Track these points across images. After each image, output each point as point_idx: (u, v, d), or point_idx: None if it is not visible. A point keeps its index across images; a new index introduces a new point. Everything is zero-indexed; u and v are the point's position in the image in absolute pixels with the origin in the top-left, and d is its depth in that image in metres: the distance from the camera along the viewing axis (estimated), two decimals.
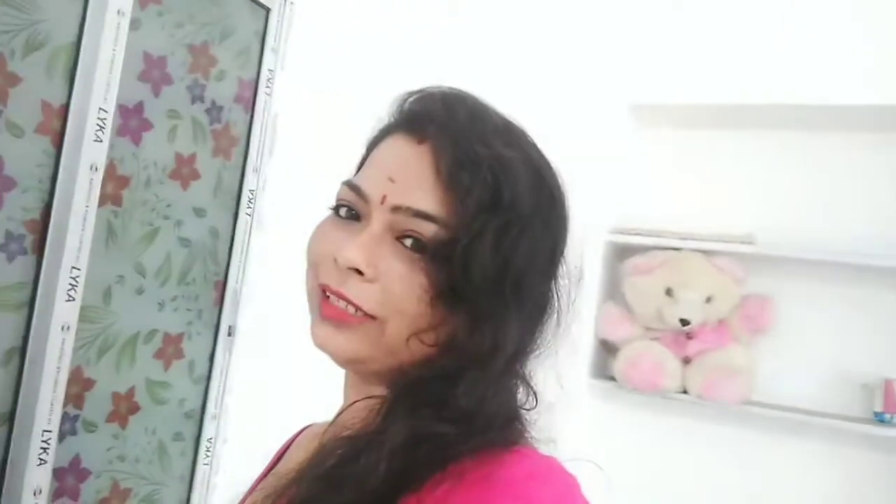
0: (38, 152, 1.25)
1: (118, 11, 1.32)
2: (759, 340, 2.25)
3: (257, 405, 1.72)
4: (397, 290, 0.62)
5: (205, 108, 1.55)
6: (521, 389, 0.66)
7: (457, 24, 2.18)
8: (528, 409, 0.65)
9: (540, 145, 0.70)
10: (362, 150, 0.75)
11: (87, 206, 1.30)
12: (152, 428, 1.52)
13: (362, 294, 0.62)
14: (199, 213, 1.56)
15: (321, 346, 0.64)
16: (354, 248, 0.62)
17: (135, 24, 1.37)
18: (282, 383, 1.75)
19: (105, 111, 1.31)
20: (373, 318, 0.63)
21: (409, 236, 0.63)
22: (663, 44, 2.24)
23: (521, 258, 0.63)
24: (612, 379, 2.28)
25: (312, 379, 1.70)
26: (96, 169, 1.31)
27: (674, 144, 2.35)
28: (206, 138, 1.56)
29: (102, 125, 1.31)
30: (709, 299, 2.17)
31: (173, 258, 1.51)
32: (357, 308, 0.62)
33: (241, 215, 1.66)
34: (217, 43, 1.56)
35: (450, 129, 0.64)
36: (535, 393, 0.66)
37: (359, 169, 0.73)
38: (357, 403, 0.64)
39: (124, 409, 1.45)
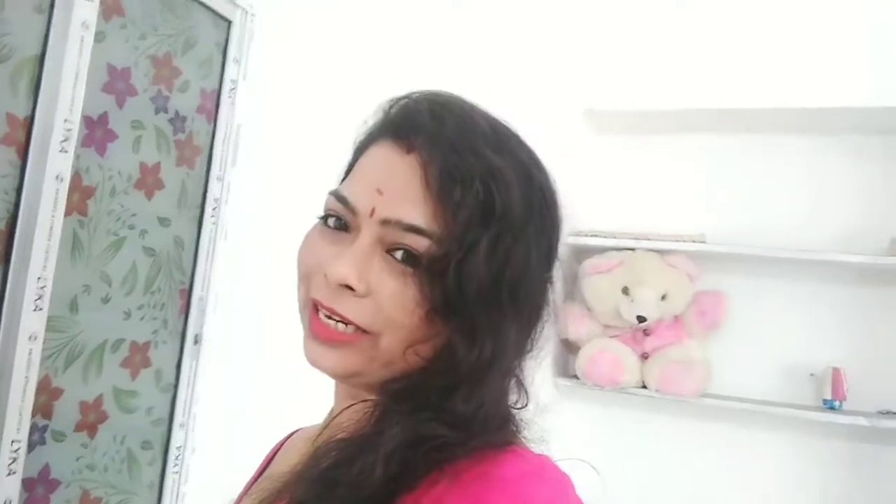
0: (4, 163, 1.26)
1: (83, 24, 1.33)
2: (713, 335, 2.33)
3: (225, 413, 1.73)
4: (390, 305, 0.60)
5: (168, 118, 1.56)
6: (514, 389, 0.66)
7: (414, 32, 2.22)
8: (519, 408, 0.65)
9: (528, 143, 0.69)
10: (348, 155, 0.73)
11: (53, 216, 1.31)
12: (121, 437, 1.52)
13: (355, 310, 0.61)
14: (163, 222, 1.57)
15: (314, 364, 0.63)
16: (344, 264, 0.60)
17: (99, 37, 1.38)
18: (249, 391, 1.76)
19: (71, 122, 1.33)
20: (365, 332, 0.62)
21: (399, 249, 0.61)
22: (618, 51, 2.32)
23: (517, 266, 0.62)
24: (574, 376, 2.34)
25: (280, 386, 1.72)
26: (62, 179, 1.32)
27: (628, 148, 2.43)
28: (170, 148, 1.58)
29: (67, 136, 1.32)
30: (664, 296, 2.24)
31: (139, 267, 1.52)
32: (349, 323, 0.61)
33: (206, 224, 1.67)
34: (180, 54, 1.57)
35: (438, 139, 0.62)
36: (527, 393, 0.66)
37: (346, 173, 0.71)
38: (352, 406, 0.63)
39: (92, 417, 1.45)
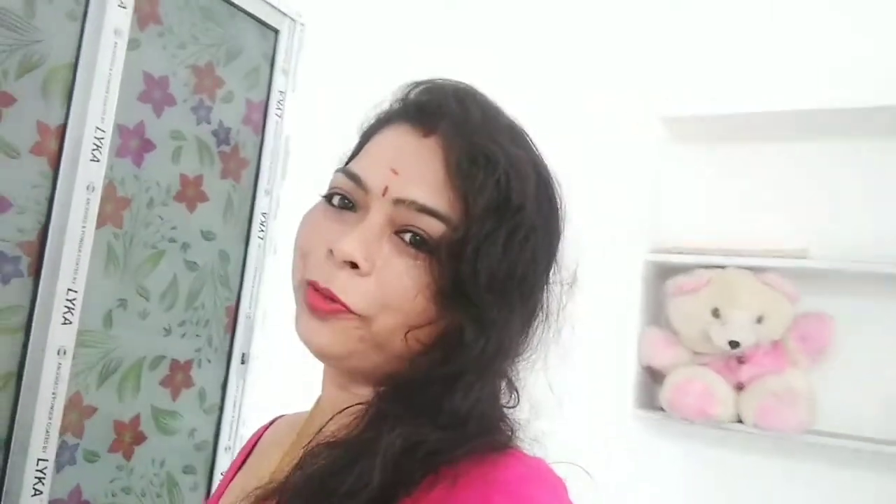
0: (35, 173, 1.24)
1: (115, 31, 1.31)
2: (817, 363, 2.07)
3: None
4: (393, 286, 0.59)
5: (211, 129, 1.52)
6: (506, 391, 0.65)
7: (473, 40, 2.13)
8: (510, 408, 0.64)
9: (540, 148, 0.68)
10: (356, 138, 0.72)
11: (83, 227, 1.28)
12: (160, 459, 1.46)
13: (351, 290, 0.59)
14: (207, 235, 1.53)
15: (306, 340, 0.61)
16: (353, 240, 0.58)
17: (133, 45, 1.36)
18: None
19: (102, 131, 1.30)
20: (357, 315, 0.60)
21: (409, 231, 0.60)
22: (695, 53, 2.15)
23: (527, 263, 0.62)
24: (660, 409, 2.13)
25: None
26: (93, 189, 1.29)
27: (713, 157, 2.23)
28: (214, 160, 1.53)
29: (99, 145, 1.29)
30: (759, 319, 2.02)
31: (180, 282, 1.48)
32: (343, 306, 0.59)
33: (254, 239, 1.62)
34: (223, 64, 1.54)
35: (462, 124, 0.62)
36: (518, 394, 0.65)
37: (352, 158, 0.69)
38: (346, 410, 0.61)
39: (128, 438, 1.40)
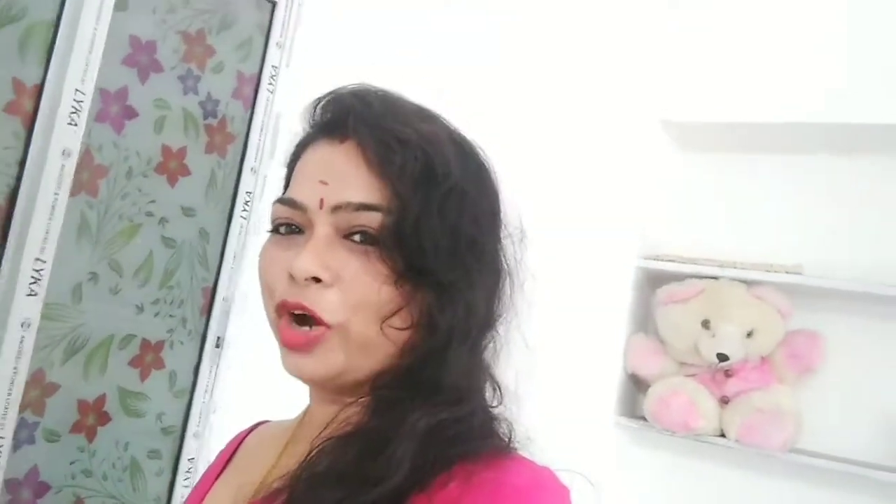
0: (7, 133, 1.17)
1: None
2: (806, 381, 2.05)
3: (246, 424, 1.58)
4: (357, 286, 0.62)
5: (199, 100, 1.46)
6: (489, 389, 0.67)
7: (474, 31, 2.08)
8: (495, 406, 0.66)
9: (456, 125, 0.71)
10: (282, 172, 0.76)
11: (56, 194, 1.21)
12: (124, 442, 1.40)
13: (321, 301, 0.62)
14: (187, 212, 1.46)
15: (296, 376, 0.65)
16: (306, 256, 0.62)
17: (121, 5, 1.29)
18: (273, 401, 1.61)
19: (82, 94, 1.23)
20: (332, 327, 0.62)
21: (356, 232, 0.63)
22: (699, 56, 2.11)
23: (468, 224, 0.64)
24: (642, 418, 2.10)
25: (306, 397, 1.57)
26: (69, 155, 1.22)
27: (714, 167, 2.21)
28: (199, 133, 1.47)
29: (78, 108, 1.22)
30: (750, 333, 2.00)
31: (156, 258, 1.41)
32: (317, 321, 0.62)
33: (236, 218, 1.55)
34: (215, 32, 1.47)
35: (368, 118, 0.65)
36: (501, 391, 0.67)
37: (285, 189, 0.72)
38: (347, 407, 0.64)
39: (92, 419, 1.33)
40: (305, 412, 0.76)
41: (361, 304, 0.62)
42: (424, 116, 0.68)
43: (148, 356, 1.42)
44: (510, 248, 0.70)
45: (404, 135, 0.63)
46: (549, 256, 2.10)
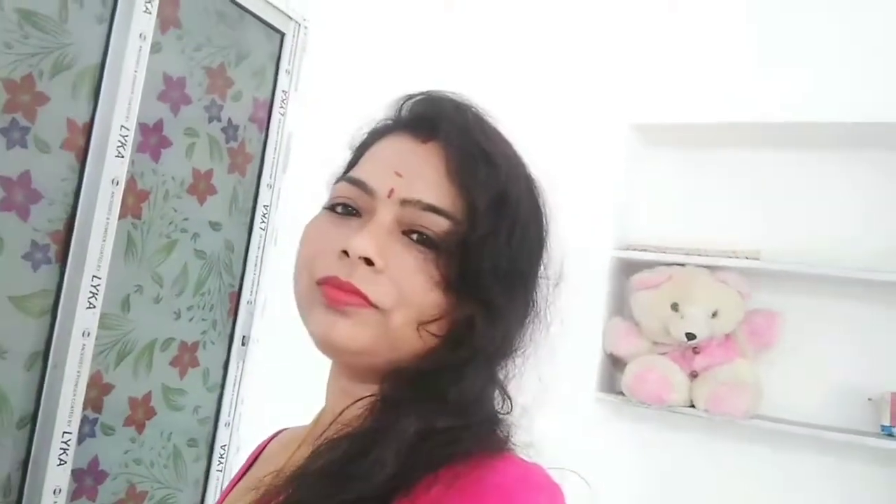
0: (64, 167, 1.33)
1: (140, 35, 1.40)
2: (765, 355, 2.27)
3: (270, 414, 1.76)
4: (407, 282, 0.61)
5: (221, 126, 1.62)
6: (498, 396, 0.66)
7: (462, 46, 2.25)
8: (505, 413, 0.66)
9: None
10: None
11: (108, 218, 1.37)
12: (168, 433, 1.57)
13: (372, 285, 0.60)
14: (214, 226, 1.63)
15: (323, 334, 0.61)
16: (365, 237, 0.60)
17: (156, 48, 1.45)
18: (294, 393, 1.79)
19: (127, 129, 1.39)
20: (377, 308, 0.61)
21: (416, 231, 0.62)
22: (663, 63, 2.30)
23: (524, 257, 0.65)
24: (620, 393, 2.31)
25: (323, 389, 1.75)
26: (117, 183, 1.38)
27: (678, 162, 2.40)
28: (223, 155, 1.63)
29: (124, 142, 1.38)
30: (714, 314, 2.19)
31: (190, 269, 1.58)
32: (364, 298, 0.60)
33: (256, 229, 1.72)
34: (233, 65, 1.63)
35: (461, 125, 0.64)
36: (510, 398, 0.67)
37: (347, 171, 0.70)
38: (356, 403, 0.62)
39: (141, 413, 1.51)
40: (321, 413, 0.73)
41: (408, 300, 0.60)
42: (509, 144, 0.68)
43: (185, 356, 1.59)
44: (546, 289, 0.69)
45: (492, 153, 0.63)
46: None
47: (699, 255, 2.25)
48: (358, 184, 0.64)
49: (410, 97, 0.69)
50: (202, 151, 1.58)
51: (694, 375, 2.26)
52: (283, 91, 1.76)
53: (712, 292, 2.20)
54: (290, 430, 0.83)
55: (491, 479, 0.54)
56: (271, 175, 1.74)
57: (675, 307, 2.23)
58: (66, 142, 1.32)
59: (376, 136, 0.69)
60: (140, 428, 1.51)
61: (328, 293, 0.61)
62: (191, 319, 1.59)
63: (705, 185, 2.37)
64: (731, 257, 2.23)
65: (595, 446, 2.28)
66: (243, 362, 1.71)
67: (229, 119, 1.63)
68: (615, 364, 2.41)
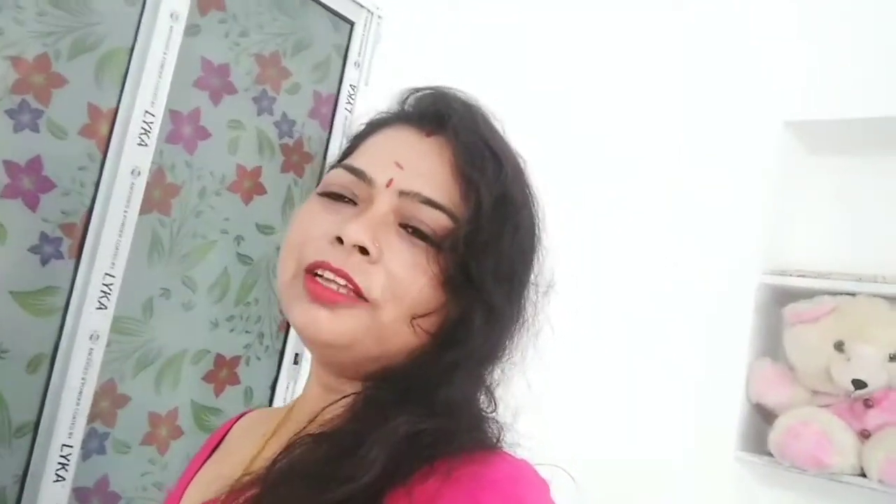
0: (82, 155, 1.23)
1: (171, 15, 1.30)
2: None
3: None
4: (402, 275, 0.61)
5: (273, 120, 1.48)
6: (484, 397, 0.66)
7: (564, 42, 1.99)
8: (491, 412, 0.66)
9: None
10: (345, 142, 0.75)
11: (125, 211, 1.26)
12: None
13: (364, 275, 0.60)
14: (263, 229, 1.48)
15: (309, 327, 0.61)
16: (362, 224, 0.60)
17: (193, 30, 1.34)
18: None
19: (151, 115, 1.28)
20: (365, 300, 0.60)
21: (412, 225, 0.62)
22: (826, 52, 1.91)
23: (520, 259, 0.66)
24: (768, 453, 1.89)
25: None
26: (139, 174, 1.27)
27: (844, 168, 1.98)
28: (275, 152, 1.49)
29: (148, 129, 1.28)
30: (893, 357, 1.76)
31: (231, 275, 1.44)
32: (352, 289, 0.60)
33: None
34: (289, 55, 1.50)
35: (471, 123, 0.65)
36: (495, 399, 0.66)
37: (343, 158, 0.71)
38: (337, 402, 0.62)
39: (165, 432, 1.37)
40: (295, 403, 0.74)
41: (401, 293, 0.60)
42: (512, 147, 0.69)
43: (222, 372, 1.44)
44: (534, 296, 0.69)
45: (499, 151, 0.64)
46: (662, 274, 1.97)
47: (874, 281, 1.83)
48: (356, 172, 0.64)
49: (416, 90, 0.70)
50: (248, 146, 1.44)
51: (865, 435, 1.82)
52: (351, 85, 1.60)
53: (890, 328, 1.77)
54: (257, 411, 0.85)
55: (486, 473, 0.55)
56: None
57: (839, 347, 1.82)
58: (86, 128, 1.23)
59: (376, 126, 0.70)
60: (163, 448, 1.37)
61: (313, 287, 0.61)
62: (231, 331, 1.44)
63: (878, 195, 1.92)
64: None
65: None
66: (294, 382, 1.54)
67: (283, 113, 1.50)
68: (762, 417, 2.00)
